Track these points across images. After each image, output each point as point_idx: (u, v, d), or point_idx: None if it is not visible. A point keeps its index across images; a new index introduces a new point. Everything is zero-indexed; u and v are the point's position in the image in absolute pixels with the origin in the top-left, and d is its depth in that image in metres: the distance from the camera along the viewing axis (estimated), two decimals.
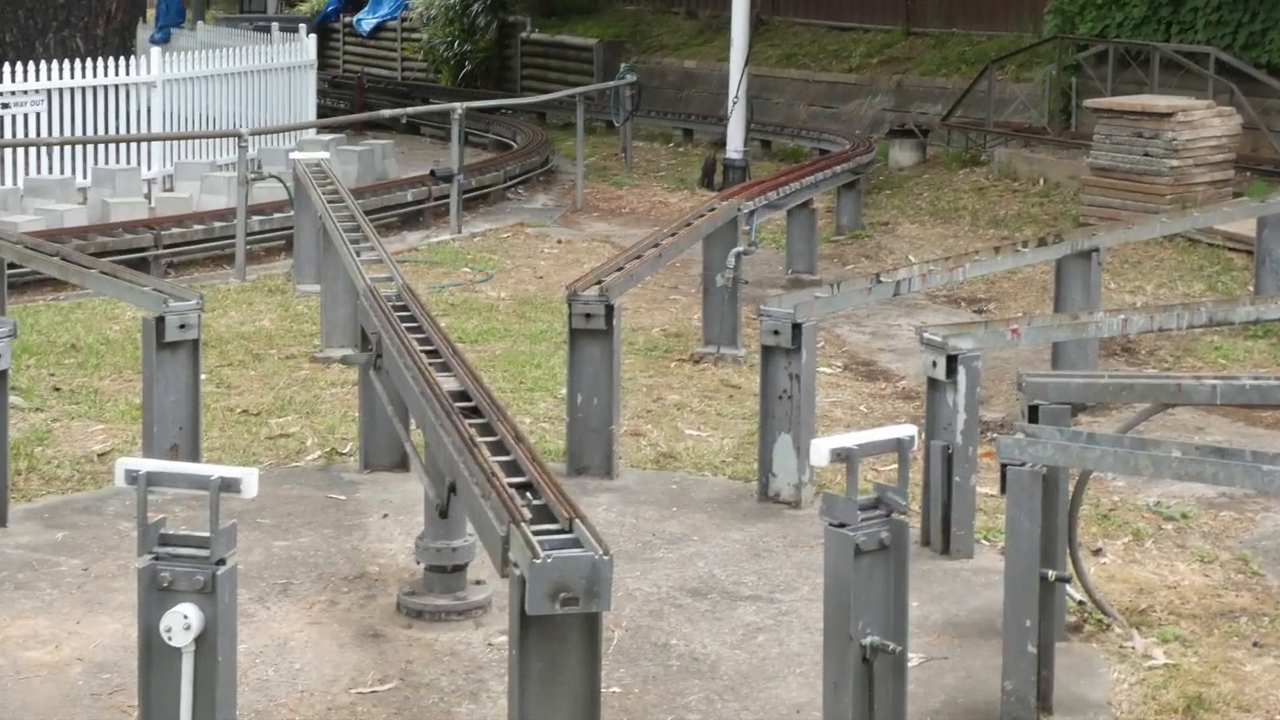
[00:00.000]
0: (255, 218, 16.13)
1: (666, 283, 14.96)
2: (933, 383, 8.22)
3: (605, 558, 4.71)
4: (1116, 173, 17.32)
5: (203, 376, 9.36)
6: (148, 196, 18.43)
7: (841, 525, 5.43)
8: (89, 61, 19.59)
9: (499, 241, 17.35)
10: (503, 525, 5.03)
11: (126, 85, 19.83)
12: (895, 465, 5.77)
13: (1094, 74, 20.88)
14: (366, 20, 35.57)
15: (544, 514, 5.15)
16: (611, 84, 23.87)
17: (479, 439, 5.87)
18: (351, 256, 9.62)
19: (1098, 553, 8.21)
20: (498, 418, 6.15)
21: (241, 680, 6.13)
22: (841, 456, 5.45)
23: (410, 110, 21.73)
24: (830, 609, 5.49)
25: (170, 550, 5.08)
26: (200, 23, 30.12)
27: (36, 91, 18.97)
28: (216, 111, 21.21)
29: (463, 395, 6.54)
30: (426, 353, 7.16)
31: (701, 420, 10.54)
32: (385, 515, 8.63)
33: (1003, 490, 6.34)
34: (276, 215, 16.43)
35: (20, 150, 18.54)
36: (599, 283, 9.47)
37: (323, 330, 11.88)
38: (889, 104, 24.61)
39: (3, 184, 18.20)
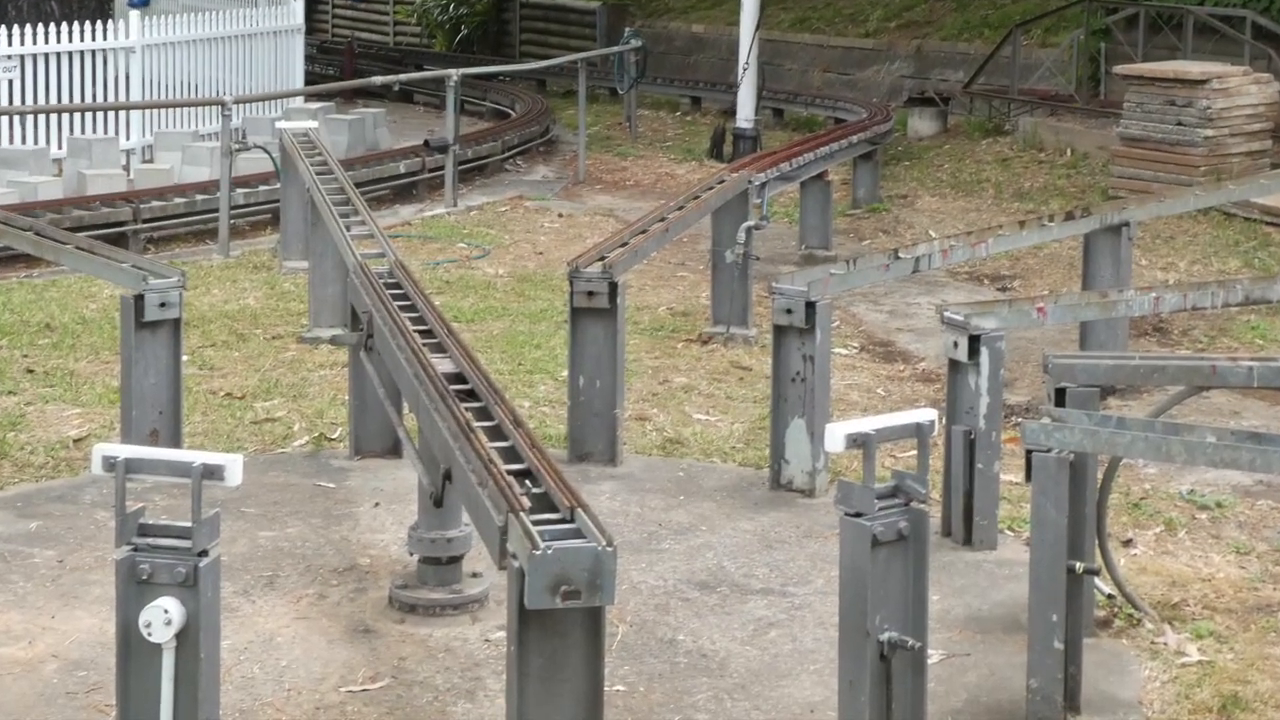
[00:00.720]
0: (239, 190, 16.11)
1: (673, 259, 14.95)
2: (954, 364, 8.21)
3: (608, 549, 4.71)
4: (1148, 143, 17.29)
5: (184, 358, 9.36)
6: (126, 168, 18.42)
7: (858, 515, 5.43)
8: (64, 25, 19.57)
9: (496, 215, 17.34)
10: (500, 515, 5.02)
11: (104, 50, 19.80)
12: (914, 451, 5.76)
13: (1124, 38, 20.84)
14: None
15: (544, 503, 5.14)
16: (615, 49, 23.83)
17: (475, 424, 5.86)
18: (341, 231, 9.61)
19: (1128, 544, 8.21)
20: (495, 401, 6.14)
21: (225, 678, 6.13)
22: (858, 442, 5.45)
23: (403, 77, 21.66)
24: (846, 603, 5.49)
25: (150, 541, 5.08)
26: None
27: (9, 57, 18.95)
28: (199, 78, 21.18)
29: (458, 377, 6.53)
30: (420, 333, 7.15)
31: (710, 404, 10.54)
32: (377, 504, 8.63)
33: (1028, 478, 6.33)
34: (262, 188, 16.42)
35: None
36: (602, 259, 9.47)
37: (310, 309, 11.88)
38: (908, 70, 24.58)
39: None
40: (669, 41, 28.04)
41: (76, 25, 19.65)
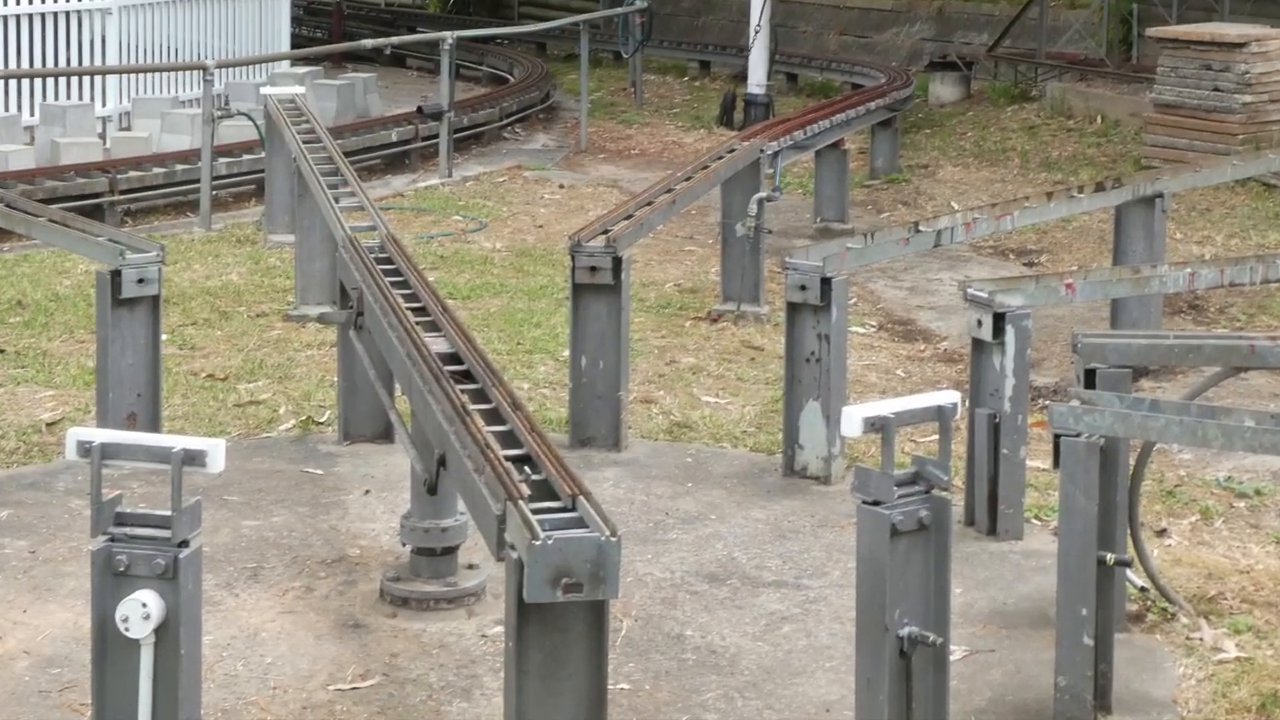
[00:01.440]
0: (222, 160, 16.10)
1: (681, 232, 14.94)
2: (978, 344, 8.20)
3: (612, 539, 4.70)
4: (1183, 109, 17.26)
5: (163, 337, 9.35)
6: (102, 136, 18.40)
7: (876, 503, 5.42)
8: None
9: (494, 186, 17.33)
10: (498, 503, 5.01)
11: (79, 11, 19.76)
12: (936, 436, 5.75)
13: None
14: None
15: (544, 490, 5.13)
16: (619, 10, 23.80)
17: (471, 407, 5.85)
18: (329, 203, 9.60)
19: (1162, 533, 8.20)
20: (492, 383, 6.14)
21: (207, 676, 6.13)
22: (876, 426, 5.44)
23: (395, 40, 21.66)
24: (863, 596, 5.48)
25: (127, 531, 5.07)
26: None
27: None
28: (179, 41, 21.13)
29: (453, 358, 6.53)
30: (413, 310, 7.14)
31: (720, 386, 10.53)
32: (367, 492, 8.63)
33: (1056, 464, 6.32)
34: (246, 157, 16.41)
35: None
36: (605, 232, 9.46)
37: (297, 285, 11.87)
38: (929, 33, 24.54)
39: None
40: (676, 2, 28.00)
41: None
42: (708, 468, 9.10)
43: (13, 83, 18.85)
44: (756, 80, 20.51)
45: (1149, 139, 17.61)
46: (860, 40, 25.34)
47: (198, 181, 15.48)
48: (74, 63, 19.52)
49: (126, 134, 18.58)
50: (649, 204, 10.47)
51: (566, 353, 9.78)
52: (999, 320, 8.07)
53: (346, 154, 11.91)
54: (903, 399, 5.67)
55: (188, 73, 20.07)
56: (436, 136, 17.95)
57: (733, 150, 12.29)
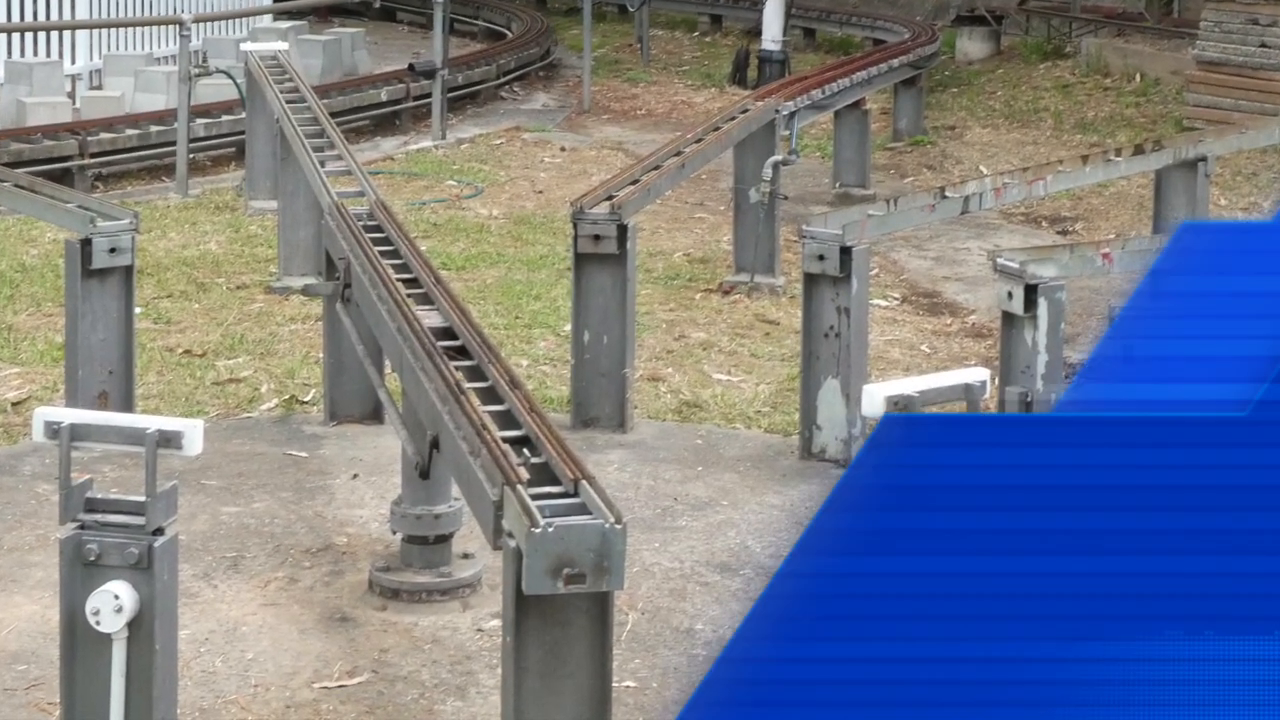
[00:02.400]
0: (199, 121, 16.10)
1: (690, 198, 14.93)
2: (1008, 318, 8.19)
3: (617, 526, 4.69)
4: (1227, 67, 17.24)
5: (137, 310, 9.34)
6: (71, 95, 18.39)
7: None
8: None
9: (490, 149, 17.32)
10: (495, 488, 5.00)
11: None
12: None
13: None
14: None
15: (544, 474, 5.12)
16: None
17: (467, 385, 5.84)
18: (314, 167, 9.59)
19: None
20: (489, 359, 6.13)
21: (183, 672, 6.12)
22: (899, 405, 5.42)
23: None
24: None
25: (98, 518, 5.06)
26: None
27: None
28: None
29: (447, 332, 6.52)
30: (404, 282, 7.13)
31: (732, 362, 10.53)
32: (355, 476, 8.63)
33: None
34: (225, 118, 16.42)
35: None
36: (610, 198, 9.45)
37: (280, 255, 11.87)
38: None
39: None
40: None
41: None
42: (719, 450, 9.09)
43: None
44: (771, 36, 20.50)
45: (1191, 98, 17.60)
46: None
47: (173, 144, 15.46)
48: (41, 16, 19.50)
49: (98, 93, 18.57)
50: (656, 168, 10.46)
51: (568, 327, 9.78)
52: (1031, 292, 8.05)
53: (333, 115, 11.91)
54: (928, 376, 5.65)
55: (163, 28, 20.07)
56: (429, 96, 17.94)
57: (746, 111, 12.28)
